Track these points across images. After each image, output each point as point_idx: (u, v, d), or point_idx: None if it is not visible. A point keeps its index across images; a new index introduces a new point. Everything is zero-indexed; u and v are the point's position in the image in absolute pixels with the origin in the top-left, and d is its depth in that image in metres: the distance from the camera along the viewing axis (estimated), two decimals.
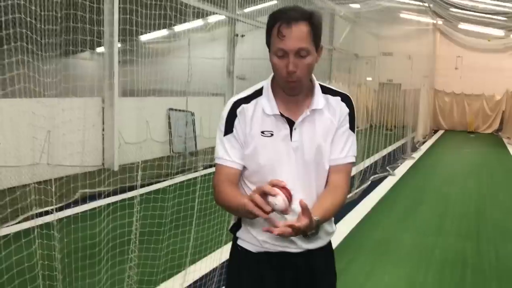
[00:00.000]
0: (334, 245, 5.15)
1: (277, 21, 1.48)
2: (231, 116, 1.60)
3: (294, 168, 1.59)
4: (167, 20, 8.77)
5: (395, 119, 15.38)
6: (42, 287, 2.18)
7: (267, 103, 1.59)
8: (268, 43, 1.54)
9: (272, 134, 1.57)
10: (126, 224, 2.87)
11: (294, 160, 1.58)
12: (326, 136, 1.62)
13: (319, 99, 1.61)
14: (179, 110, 9.82)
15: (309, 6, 13.98)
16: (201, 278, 3.45)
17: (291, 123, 1.58)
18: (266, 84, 1.63)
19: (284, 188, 1.39)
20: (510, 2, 10.87)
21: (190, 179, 7.03)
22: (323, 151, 1.62)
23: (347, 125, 1.67)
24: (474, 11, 13.10)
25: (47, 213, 3.13)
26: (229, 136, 1.59)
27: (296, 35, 1.46)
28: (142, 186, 5.58)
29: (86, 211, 3.27)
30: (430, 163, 11.08)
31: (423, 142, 14.80)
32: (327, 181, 1.66)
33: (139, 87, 8.80)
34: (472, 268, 4.53)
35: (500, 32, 16.83)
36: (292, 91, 1.56)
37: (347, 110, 1.66)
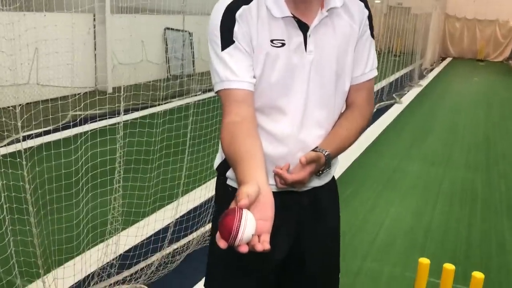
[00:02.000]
0: (336, 175, 4.86)
1: None
2: (228, 23, 1.18)
3: (309, 87, 1.25)
4: None
5: (404, 45, 14.74)
6: (9, 222, 1.92)
7: (273, 2, 1.19)
8: None
9: (283, 44, 1.21)
10: (108, 151, 2.56)
11: (308, 77, 1.24)
12: (347, 45, 1.28)
13: None
14: (177, 30, 9.26)
15: None
16: (195, 209, 3.22)
17: (304, 28, 1.21)
18: None
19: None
20: None
21: (188, 103, 6.69)
22: (345, 66, 1.29)
23: (368, 31, 1.33)
24: None
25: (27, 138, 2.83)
26: (229, 49, 1.19)
27: None
28: (135, 110, 5.26)
29: (68, 136, 2.98)
30: (438, 91, 10.67)
31: (431, 70, 14.28)
32: (346, 100, 1.37)
33: (133, 4, 8.19)
34: (482, 201, 4.32)
35: None
36: None
37: (366, 11, 1.31)
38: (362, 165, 5.08)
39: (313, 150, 1.25)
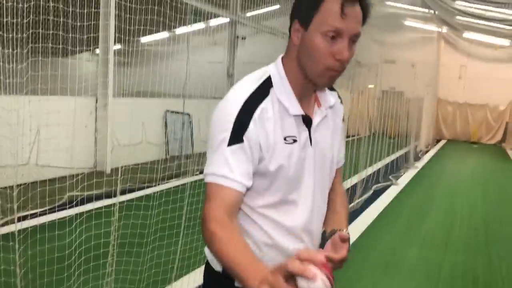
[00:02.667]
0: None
1: None
2: (243, 120, 1.18)
3: (314, 178, 1.32)
4: (167, 21, 8.52)
5: (398, 128, 15.11)
6: None
7: (287, 99, 1.24)
8: (307, 17, 1.19)
9: (295, 140, 1.25)
10: (103, 234, 2.55)
11: (313, 169, 1.31)
12: (336, 137, 1.42)
13: (327, 93, 1.37)
14: (176, 112, 9.54)
15: None
16: None
17: (308, 124, 1.29)
18: (275, 71, 1.27)
19: (323, 266, 0.89)
20: None
21: (184, 184, 6.72)
22: (335, 156, 1.41)
23: (342, 121, 1.50)
24: (481, 18, 12.84)
25: (22, 219, 2.82)
26: (235, 147, 1.17)
27: (358, 16, 1.18)
28: (131, 191, 5.28)
29: (64, 217, 2.97)
30: (433, 173, 10.77)
31: (426, 152, 14.50)
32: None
33: (136, 89, 8.52)
34: (483, 284, 4.22)
35: (505, 42, 16.58)
36: (330, 83, 1.26)
37: (342, 106, 1.49)
38: (360, 248, 5.00)
39: (333, 230, 1.33)
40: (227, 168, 1.15)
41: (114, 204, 2.32)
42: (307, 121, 1.28)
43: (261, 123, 1.19)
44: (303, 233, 1.32)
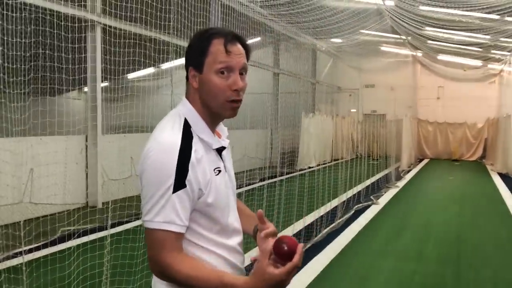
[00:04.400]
0: (314, 274, 5.17)
1: (217, 37, 1.38)
2: (183, 166, 1.29)
3: (233, 199, 1.53)
4: (151, 59, 9.00)
5: (380, 149, 15.59)
6: None
7: (207, 136, 1.41)
8: (199, 63, 1.39)
9: (220, 171, 1.43)
10: (95, 265, 2.86)
11: (232, 192, 1.52)
12: (231, 162, 1.61)
13: (221, 125, 1.55)
14: None
15: (291, 41, 14.39)
16: None
17: (220, 153, 1.47)
18: (188, 113, 1.41)
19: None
20: (482, 33, 11.28)
21: None
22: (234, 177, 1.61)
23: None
24: (450, 43, 13.54)
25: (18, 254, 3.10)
26: (180, 192, 1.28)
27: (240, 52, 1.40)
28: (120, 223, 5.59)
29: (62, 250, 3.27)
30: (414, 191, 11.19)
31: (408, 171, 14.95)
32: None
33: (124, 124, 8.89)
34: None
35: (477, 62, 17.34)
36: (233, 113, 1.42)
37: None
38: (339, 264, 5.34)
39: (255, 227, 1.51)
40: (174, 213, 1.27)
41: (105, 237, 2.63)
42: (220, 151, 1.45)
43: (198, 164, 1.32)
44: (240, 247, 1.51)
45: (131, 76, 14.72)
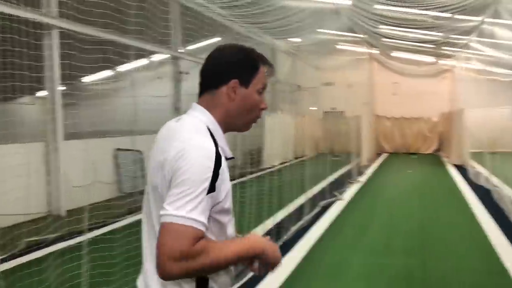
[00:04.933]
0: (287, 272, 5.25)
1: (265, 62, 1.55)
2: (216, 171, 1.35)
3: None
4: (110, 61, 8.82)
5: (341, 145, 15.92)
6: None
7: (225, 146, 1.49)
8: (248, 79, 1.50)
9: (230, 179, 1.50)
10: (74, 271, 2.81)
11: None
12: None
13: None
14: (127, 150, 9.74)
15: (250, 42, 14.45)
16: None
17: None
18: (209, 122, 1.47)
19: None
20: (435, 31, 11.72)
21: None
22: None
23: None
24: (405, 40, 13.98)
25: None
26: (210, 195, 1.33)
27: None
28: (90, 230, 5.46)
29: (30, 261, 3.18)
30: (376, 185, 11.49)
31: (368, 166, 15.34)
32: None
33: (84, 129, 8.68)
34: (419, 283, 4.74)
35: (430, 59, 17.98)
36: (249, 128, 1.59)
37: None
38: (311, 261, 5.43)
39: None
40: (204, 216, 1.31)
41: (79, 243, 2.59)
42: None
43: (223, 171, 1.38)
44: None
45: (88, 79, 14.38)
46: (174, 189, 1.30)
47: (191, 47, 14.22)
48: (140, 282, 1.48)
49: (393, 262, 5.42)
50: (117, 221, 7.22)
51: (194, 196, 1.29)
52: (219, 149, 1.39)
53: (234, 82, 1.48)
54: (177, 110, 12.38)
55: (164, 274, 1.28)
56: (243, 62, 1.51)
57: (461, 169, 13.95)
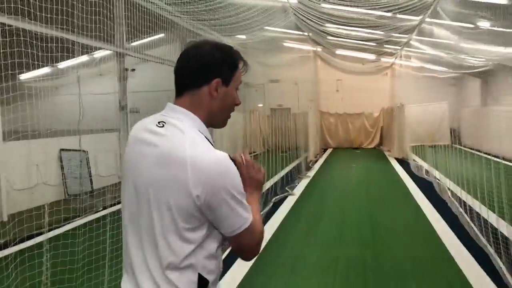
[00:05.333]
0: (245, 269, 5.28)
1: (241, 59, 1.56)
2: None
3: None
4: (52, 58, 8.44)
5: (289, 141, 16.15)
6: None
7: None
8: (229, 77, 1.52)
9: None
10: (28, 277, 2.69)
11: None
12: None
13: None
14: (72, 150, 9.37)
15: (197, 38, 14.34)
16: None
17: None
18: (200, 127, 1.48)
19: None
20: (379, 30, 12.16)
21: (93, 221, 6.75)
22: None
23: None
24: (349, 38, 14.39)
25: None
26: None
27: None
28: (30, 237, 5.21)
29: None
30: (324, 180, 11.78)
31: (315, 161, 15.69)
32: None
33: (26, 129, 8.26)
34: (373, 272, 4.93)
35: (372, 56, 18.62)
36: (226, 125, 1.60)
37: None
38: (268, 256, 5.49)
39: None
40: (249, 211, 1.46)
41: (43, 244, 2.49)
42: None
43: None
44: None
45: (26, 76, 13.67)
46: (232, 201, 1.39)
47: (136, 43, 13.87)
48: None
49: (347, 254, 5.59)
50: (63, 225, 6.94)
51: (238, 205, 1.41)
52: None
53: (216, 81, 1.48)
54: (123, 108, 12.06)
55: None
56: (224, 61, 1.51)
57: (403, 162, 14.60)
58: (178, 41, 15.21)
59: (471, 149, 15.75)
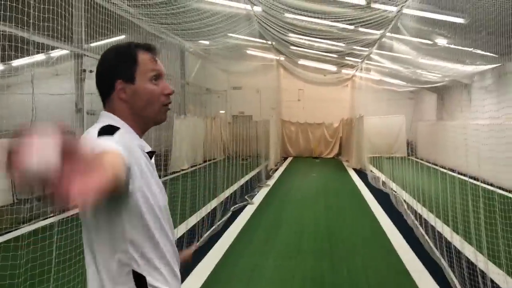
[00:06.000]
0: (203, 279, 5.13)
1: (140, 48, 1.47)
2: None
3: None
4: (4, 55, 8.06)
5: (250, 149, 16.13)
6: None
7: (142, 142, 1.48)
8: (130, 74, 1.44)
9: None
10: None
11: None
12: None
13: None
14: None
15: (159, 41, 14.12)
16: None
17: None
18: (116, 121, 1.43)
19: None
20: (341, 42, 12.35)
21: (43, 226, 6.43)
22: None
23: None
24: (311, 49, 14.53)
25: None
26: None
27: (159, 61, 1.51)
28: None
29: None
30: (283, 189, 11.78)
31: (276, 169, 15.71)
32: None
33: None
34: (329, 284, 4.91)
35: (333, 68, 18.90)
36: (166, 117, 1.51)
37: None
38: (225, 267, 5.39)
39: None
40: None
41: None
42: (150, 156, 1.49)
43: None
44: None
45: None
46: None
47: (95, 44, 13.50)
48: None
49: (304, 265, 5.56)
50: (10, 231, 6.59)
51: None
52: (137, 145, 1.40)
53: (118, 83, 1.43)
54: (79, 110, 11.68)
55: None
56: (117, 60, 1.45)
57: (361, 173, 14.84)
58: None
59: (427, 161, 16.21)
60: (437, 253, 5.61)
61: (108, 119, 1.42)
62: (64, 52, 12.22)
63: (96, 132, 1.31)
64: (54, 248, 2.97)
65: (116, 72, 1.44)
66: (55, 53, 12.99)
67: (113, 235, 1.31)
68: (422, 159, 17.31)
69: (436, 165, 14.17)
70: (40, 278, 3.20)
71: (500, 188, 8.78)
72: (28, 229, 6.68)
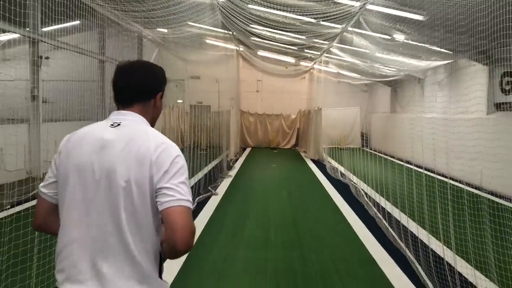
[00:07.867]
0: (175, 272, 5.16)
1: None
2: None
3: None
4: None
5: (208, 139, 16.08)
6: None
7: None
8: (163, 91, 1.96)
9: None
10: None
11: None
12: None
13: None
14: None
15: (118, 27, 13.75)
16: None
17: None
18: (147, 123, 1.89)
19: None
20: (303, 35, 12.48)
21: None
22: None
23: None
24: (272, 41, 14.60)
25: None
26: None
27: None
28: None
29: None
30: (246, 179, 11.85)
31: (236, 160, 15.75)
32: None
33: None
34: (301, 274, 5.04)
35: (292, 60, 19.08)
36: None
37: None
38: (195, 260, 5.39)
39: None
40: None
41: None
42: None
43: None
44: None
45: None
46: (173, 180, 1.67)
47: (49, 28, 12.95)
48: None
49: (274, 256, 5.66)
50: None
51: (187, 185, 1.71)
52: None
53: (160, 95, 1.94)
54: (35, 98, 11.21)
55: (189, 248, 1.64)
56: (164, 80, 1.97)
57: (319, 163, 15.15)
58: (96, 30, 14.47)
59: (379, 152, 16.77)
60: (401, 243, 5.87)
61: (142, 120, 1.87)
62: (15, 35, 11.64)
63: (173, 149, 1.75)
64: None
65: (161, 87, 1.95)
66: (3, 37, 12.36)
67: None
68: (375, 150, 17.89)
69: (387, 155, 14.68)
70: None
71: (451, 178, 9.26)
72: None
